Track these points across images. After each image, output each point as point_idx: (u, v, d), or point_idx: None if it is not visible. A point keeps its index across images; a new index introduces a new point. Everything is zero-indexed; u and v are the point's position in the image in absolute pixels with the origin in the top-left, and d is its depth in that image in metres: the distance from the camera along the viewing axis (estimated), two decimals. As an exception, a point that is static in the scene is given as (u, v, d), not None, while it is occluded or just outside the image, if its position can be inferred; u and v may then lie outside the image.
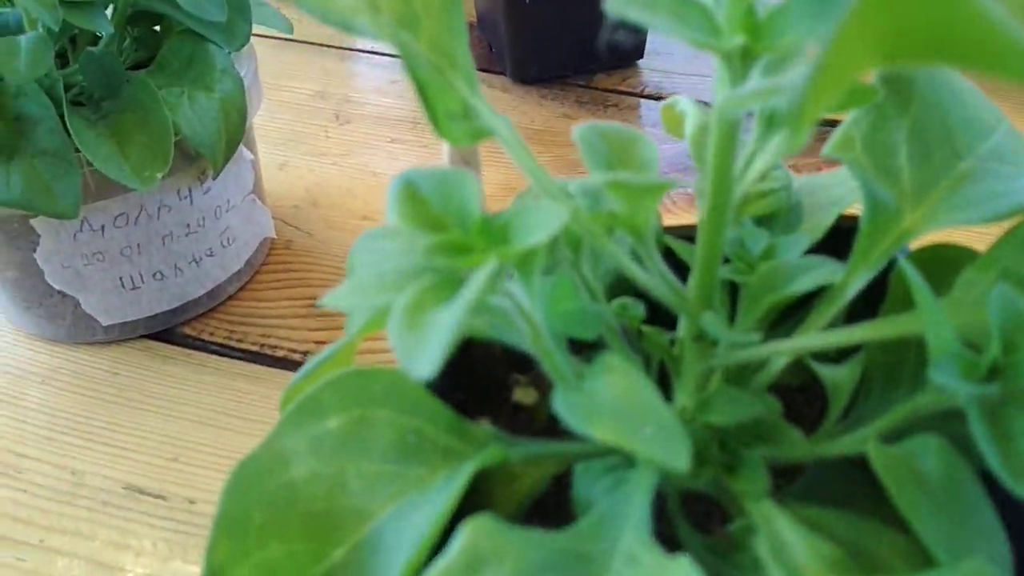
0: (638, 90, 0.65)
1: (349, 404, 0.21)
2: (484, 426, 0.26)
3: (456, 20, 0.21)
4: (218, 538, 0.19)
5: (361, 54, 0.71)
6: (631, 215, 0.21)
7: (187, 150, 0.41)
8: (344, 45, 0.71)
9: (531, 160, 0.21)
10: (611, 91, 0.64)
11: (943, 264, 0.22)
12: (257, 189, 0.48)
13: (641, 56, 0.67)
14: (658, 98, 0.63)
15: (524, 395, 0.27)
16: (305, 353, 0.44)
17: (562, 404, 0.18)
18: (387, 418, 0.21)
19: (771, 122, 0.21)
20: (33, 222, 0.40)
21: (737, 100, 0.18)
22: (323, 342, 0.45)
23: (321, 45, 0.71)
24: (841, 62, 0.12)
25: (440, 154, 0.60)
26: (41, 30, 0.39)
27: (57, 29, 0.37)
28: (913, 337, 0.21)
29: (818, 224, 0.27)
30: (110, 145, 0.38)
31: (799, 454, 0.20)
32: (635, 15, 0.16)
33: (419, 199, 0.19)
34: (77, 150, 0.38)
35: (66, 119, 0.38)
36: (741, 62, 0.18)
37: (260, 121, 0.62)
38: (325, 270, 0.49)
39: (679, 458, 0.17)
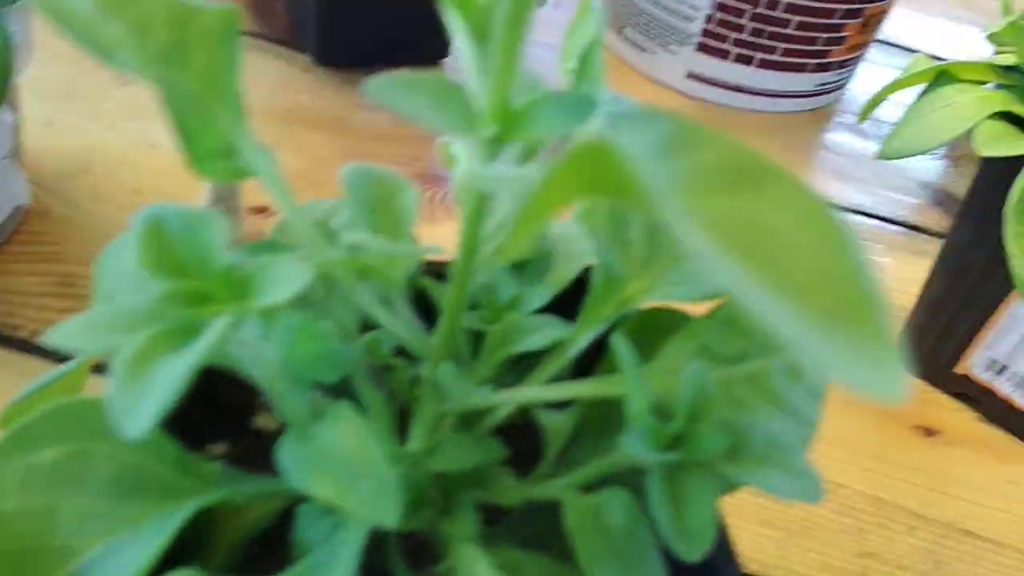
0: (440, 87, 0.65)
1: (68, 436, 0.20)
2: (217, 457, 0.26)
3: (230, 48, 0.21)
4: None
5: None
6: (384, 271, 0.22)
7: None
8: None
9: (290, 201, 0.21)
10: (413, 85, 0.65)
11: (660, 327, 0.25)
12: (15, 152, 0.44)
13: (446, 55, 0.67)
14: (459, 98, 0.64)
15: (267, 421, 0.27)
16: (54, 336, 0.41)
17: (284, 456, 0.19)
18: (107, 452, 0.21)
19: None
20: None
21: (481, 181, 0.19)
22: (76, 325, 0.42)
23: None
24: (547, 198, 0.13)
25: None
26: None
27: None
28: (621, 395, 0.23)
29: (564, 275, 0.29)
30: None
31: (509, 499, 0.22)
32: (392, 101, 0.17)
33: (163, 240, 0.18)
34: None
35: None
36: (492, 148, 0.19)
37: (30, 71, 0.56)
38: (84, 245, 0.46)
39: (388, 515, 0.18)
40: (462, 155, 0.28)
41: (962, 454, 0.50)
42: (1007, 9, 0.48)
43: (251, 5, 0.69)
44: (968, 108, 0.45)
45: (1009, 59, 0.47)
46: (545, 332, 0.23)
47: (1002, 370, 0.51)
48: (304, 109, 0.60)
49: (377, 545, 0.24)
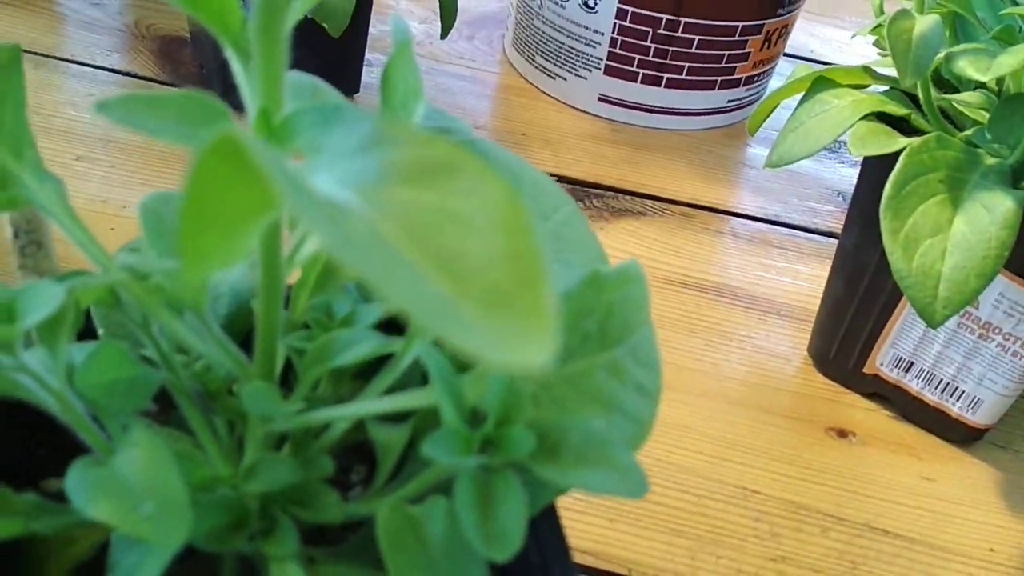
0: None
1: None
2: (47, 489, 0.25)
3: (11, 84, 0.21)
4: None
5: (59, 62, 0.66)
6: (178, 292, 0.22)
7: None
8: (39, 51, 0.67)
9: (79, 231, 0.21)
10: (323, 122, 0.65)
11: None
12: None
13: (357, 91, 0.68)
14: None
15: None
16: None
17: (72, 481, 0.19)
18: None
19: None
20: None
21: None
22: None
23: (14, 47, 0.66)
24: (201, 203, 0.13)
25: (144, 175, 0.57)
26: None
27: None
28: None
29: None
30: None
31: (331, 517, 0.22)
32: (134, 121, 0.17)
33: None
34: None
35: None
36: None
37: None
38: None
39: (174, 535, 0.18)
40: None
41: (876, 454, 0.51)
42: (879, 11, 0.49)
43: (160, 53, 0.70)
44: (844, 111, 0.46)
45: (886, 62, 0.49)
46: (362, 346, 0.23)
47: (909, 367, 0.51)
48: (210, 152, 0.60)
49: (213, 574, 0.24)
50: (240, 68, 0.19)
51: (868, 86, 0.49)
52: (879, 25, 0.47)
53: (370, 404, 0.23)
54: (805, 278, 0.61)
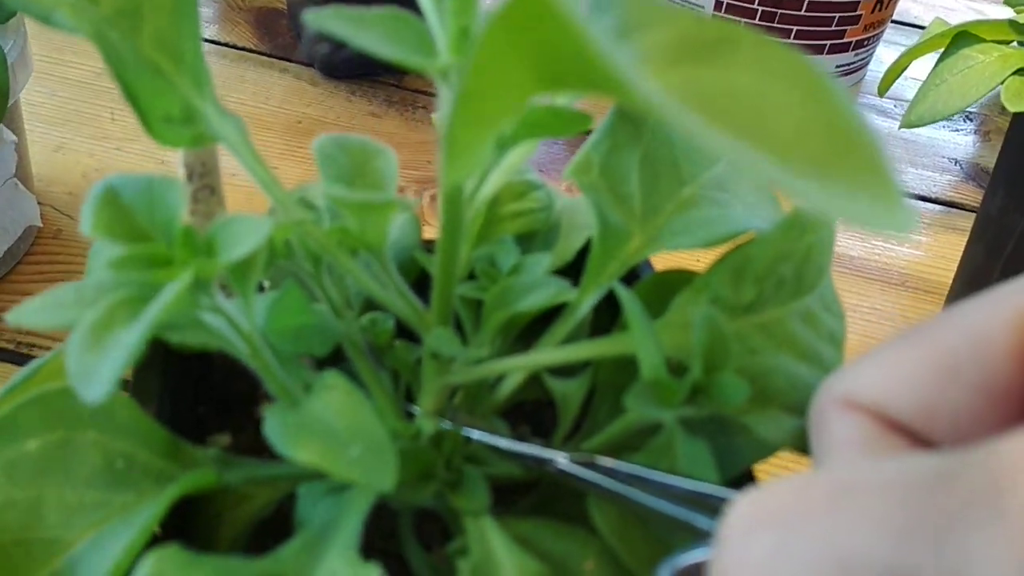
0: (450, 92, 0.65)
1: (51, 425, 0.19)
2: (216, 445, 0.25)
3: (187, 13, 0.20)
4: None
5: (161, 33, 0.66)
6: (362, 231, 0.21)
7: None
8: (143, 22, 0.67)
9: (262, 169, 0.20)
10: (421, 92, 0.64)
11: (670, 287, 0.23)
12: (21, 173, 0.44)
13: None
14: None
15: (268, 408, 0.26)
16: (67, 353, 0.41)
17: (271, 425, 0.18)
18: (94, 440, 0.20)
19: (500, 142, 0.21)
20: None
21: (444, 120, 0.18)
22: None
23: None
24: (487, 77, 0.12)
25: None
26: None
27: None
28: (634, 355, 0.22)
29: (572, 244, 0.27)
30: None
31: (518, 471, 0.21)
32: (341, 30, 0.16)
33: (120, 207, 0.17)
34: None
35: None
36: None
37: (37, 98, 0.57)
38: (98, 264, 0.46)
39: (384, 478, 0.17)
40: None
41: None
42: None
43: (256, 24, 0.69)
44: (991, 67, 0.43)
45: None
46: (543, 290, 0.21)
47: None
48: (312, 120, 0.60)
49: (391, 532, 0.23)
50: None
51: (1011, 42, 0.46)
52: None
53: (552, 353, 0.22)
54: (927, 248, 0.58)
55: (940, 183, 0.65)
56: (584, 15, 0.10)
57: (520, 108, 0.12)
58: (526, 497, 0.23)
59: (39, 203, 0.47)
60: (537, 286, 0.22)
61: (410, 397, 0.24)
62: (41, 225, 0.47)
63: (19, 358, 0.41)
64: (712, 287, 0.21)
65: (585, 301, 0.22)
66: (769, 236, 0.22)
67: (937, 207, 0.62)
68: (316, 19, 0.15)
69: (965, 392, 0.16)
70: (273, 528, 0.23)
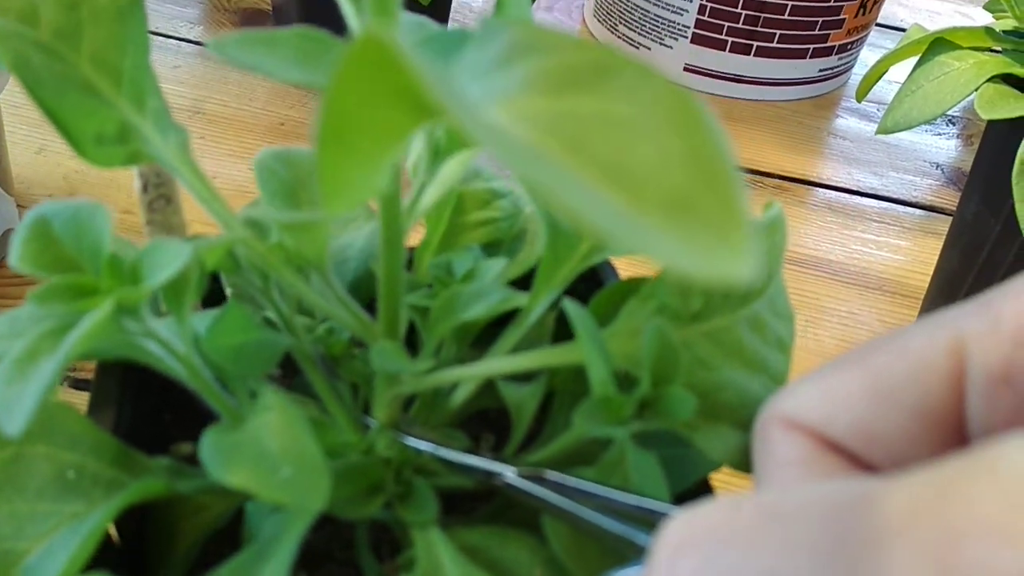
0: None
1: (2, 442, 0.20)
2: (177, 454, 0.25)
3: (132, 28, 0.20)
4: None
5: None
6: (298, 249, 0.21)
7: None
8: (127, 23, 0.67)
9: (202, 186, 0.20)
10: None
11: (619, 294, 0.24)
12: (1, 175, 0.44)
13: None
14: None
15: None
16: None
17: (206, 447, 0.18)
18: (45, 454, 0.20)
19: (436, 152, 0.21)
20: None
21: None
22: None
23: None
24: (341, 114, 0.12)
25: (230, 146, 0.57)
26: None
27: None
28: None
29: (536, 250, 0.27)
30: None
31: (467, 482, 0.21)
32: (243, 58, 0.15)
33: (49, 238, 0.17)
34: None
35: None
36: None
37: (18, 100, 0.57)
38: (75, 267, 0.46)
39: (314, 500, 0.17)
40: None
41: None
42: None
43: (242, 25, 0.70)
44: (967, 74, 0.43)
45: (1007, 23, 0.46)
46: (489, 298, 0.21)
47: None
48: (295, 123, 0.60)
49: (349, 542, 0.23)
50: (350, 6, 0.18)
51: (988, 48, 0.46)
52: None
53: (502, 361, 0.22)
54: (906, 252, 0.58)
55: (921, 187, 0.65)
56: (436, 50, 0.10)
57: (402, 138, 0.12)
58: (485, 503, 0.23)
59: (19, 206, 0.47)
60: (484, 294, 0.22)
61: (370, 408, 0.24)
62: (18, 228, 0.47)
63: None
64: (659, 294, 0.21)
65: (536, 307, 0.23)
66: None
67: (918, 211, 0.63)
68: (217, 46, 0.15)
69: (902, 416, 0.16)
70: (231, 539, 0.23)
